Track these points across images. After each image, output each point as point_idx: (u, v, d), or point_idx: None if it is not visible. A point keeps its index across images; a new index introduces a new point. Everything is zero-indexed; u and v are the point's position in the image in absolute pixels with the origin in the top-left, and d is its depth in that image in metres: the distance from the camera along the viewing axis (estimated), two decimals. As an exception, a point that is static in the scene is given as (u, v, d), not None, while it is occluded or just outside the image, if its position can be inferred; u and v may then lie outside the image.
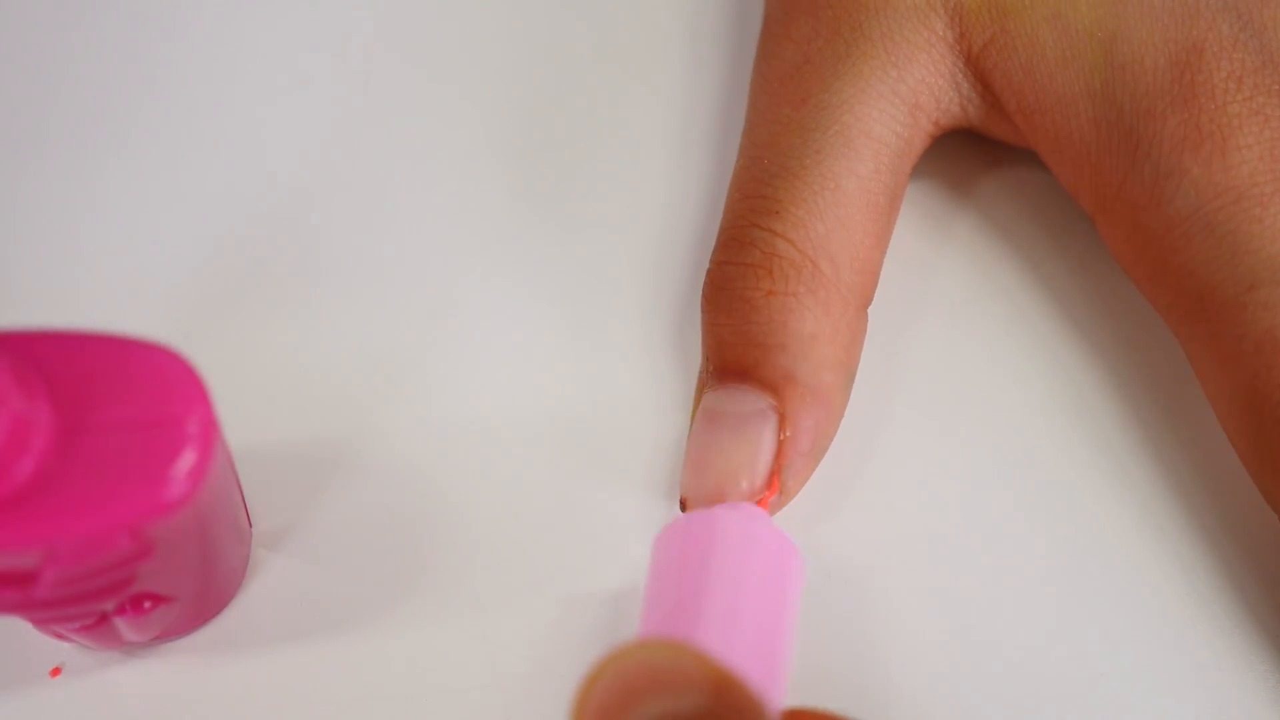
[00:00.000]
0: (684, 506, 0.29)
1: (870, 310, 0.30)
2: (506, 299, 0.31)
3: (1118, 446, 0.31)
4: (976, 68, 0.32)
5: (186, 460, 0.24)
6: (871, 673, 0.28)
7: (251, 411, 0.28)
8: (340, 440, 0.30)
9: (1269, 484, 0.30)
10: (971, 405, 0.31)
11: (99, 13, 0.34)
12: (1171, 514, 0.30)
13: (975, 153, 0.33)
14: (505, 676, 0.28)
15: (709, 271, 0.29)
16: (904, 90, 0.31)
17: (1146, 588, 0.31)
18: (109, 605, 0.27)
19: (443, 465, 0.30)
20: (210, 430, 0.23)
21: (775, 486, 0.28)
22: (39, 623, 0.28)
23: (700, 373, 0.29)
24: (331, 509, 0.30)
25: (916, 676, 0.28)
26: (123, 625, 0.28)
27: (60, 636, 0.30)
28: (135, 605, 0.27)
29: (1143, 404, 0.30)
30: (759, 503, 0.29)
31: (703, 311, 0.29)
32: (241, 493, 0.27)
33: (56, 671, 0.30)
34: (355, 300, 0.31)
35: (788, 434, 0.29)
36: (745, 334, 0.30)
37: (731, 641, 0.24)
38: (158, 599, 0.28)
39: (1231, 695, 0.29)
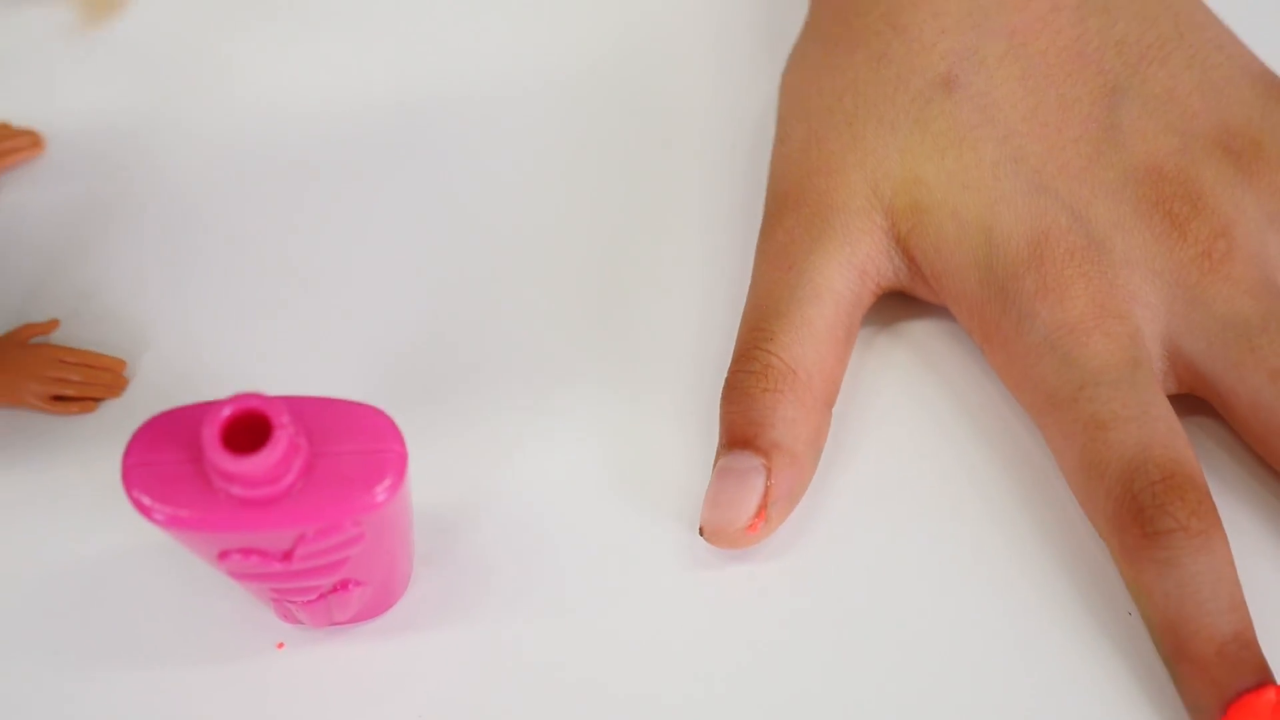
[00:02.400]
0: (701, 533, 0.37)
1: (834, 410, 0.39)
2: (587, 390, 0.40)
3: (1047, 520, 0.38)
4: (903, 247, 0.40)
5: (387, 477, 0.32)
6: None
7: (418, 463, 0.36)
8: (466, 496, 0.39)
9: (1104, 534, 0.37)
10: (903, 480, 0.39)
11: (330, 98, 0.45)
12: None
13: (909, 307, 0.41)
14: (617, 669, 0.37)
15: (727, 378, 0.39)
16: (855, 261, 0.40)
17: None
18: (327, 582, 0.34)
19: (548, 513, 0.39)
20: (402, 461, 0.32)
21: (762, 517, 0.37)
22: (280, 596, 0.35)
23: (718, 444, 0.38)
24: (468, 540, 0.38)
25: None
26: (332, 603, 0.35)
27: (287, 616, 0.37)
28: (342, 586, 0.35)
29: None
30: (749, 528, 0.37)
31: (721, 403, 0.38)
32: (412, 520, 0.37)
33: (281, 645, 0.38)
34: (479, 383, 0.40)
35: (771, 483, 0.37)
36: (747, 417, 0.38)
37: None
38: (357, 582, 0.35)
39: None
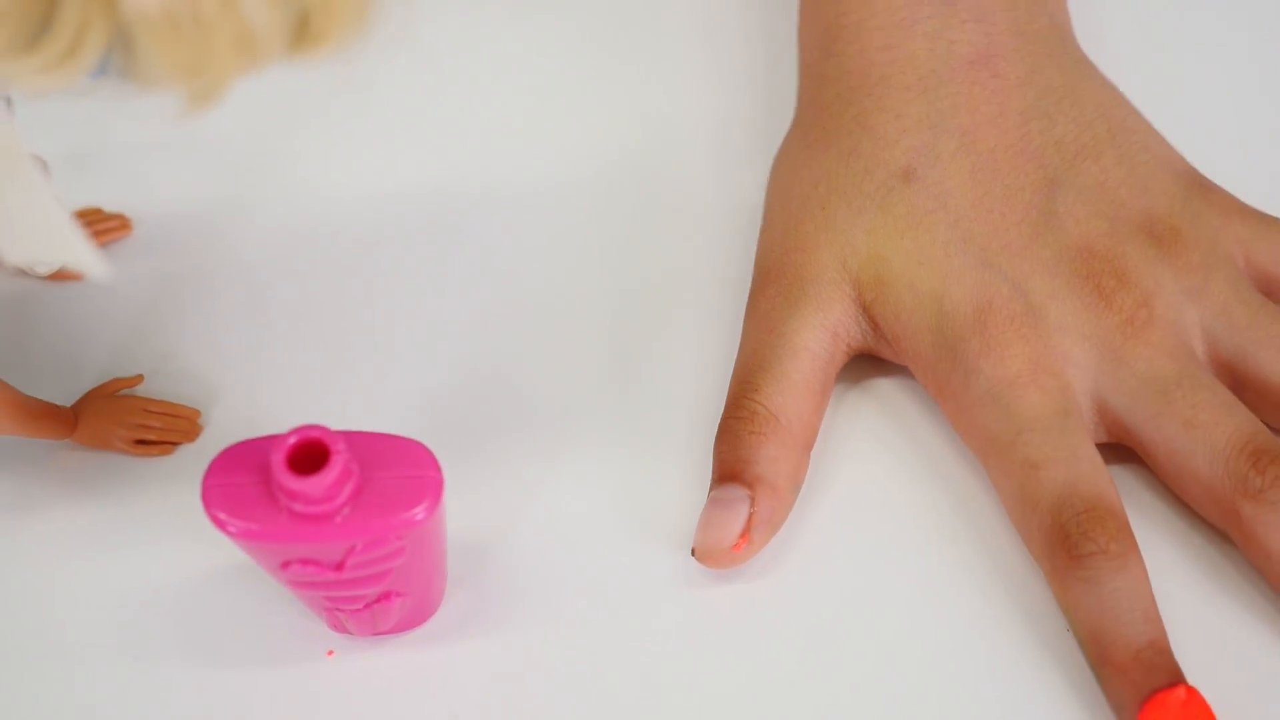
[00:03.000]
0: (694, 553, 0.40)
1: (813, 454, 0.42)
2: (601, 435, 0.43)
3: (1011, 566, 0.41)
4: (868, 314, 0.43)
5: (426, 499, 0.35)
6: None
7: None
8: (494, 526, 0.42)
9: (1038, 558, 0.40)
10: (871, 512, 0.42)
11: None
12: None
13: (875, 367, 0.44)
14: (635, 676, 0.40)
15: (720, 424, 0.42)
16: (828, 325, 0.42)
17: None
18: (373, 592, 0.37)
19: (565, 541, 0.42)
20: (439, 485, 0.36)
21: (746, 539, 0.40)
22: (332, 605, 0.38)
23: (711, 480, 0.41)
24: (496, 564, 0.42)
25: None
26: (376, 613, 0.38)
27: (337, 626, 0.40)
28: (385, 597, 0.38)
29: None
30: (734, 548, 0.40)
31: (715, 444, 0.41)
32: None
33: (331, 653, 0.40)
34: (508, 429, 0.43)
35: (755, 511, 0.40)
36: (736, 455, 0.41)
37: None
38: (398, 594, 0.38)
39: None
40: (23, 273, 0.47)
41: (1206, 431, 0.40)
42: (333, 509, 0.35)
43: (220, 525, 0.35)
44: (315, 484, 0.35)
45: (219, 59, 0.29)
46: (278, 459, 0.35)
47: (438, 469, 0.36)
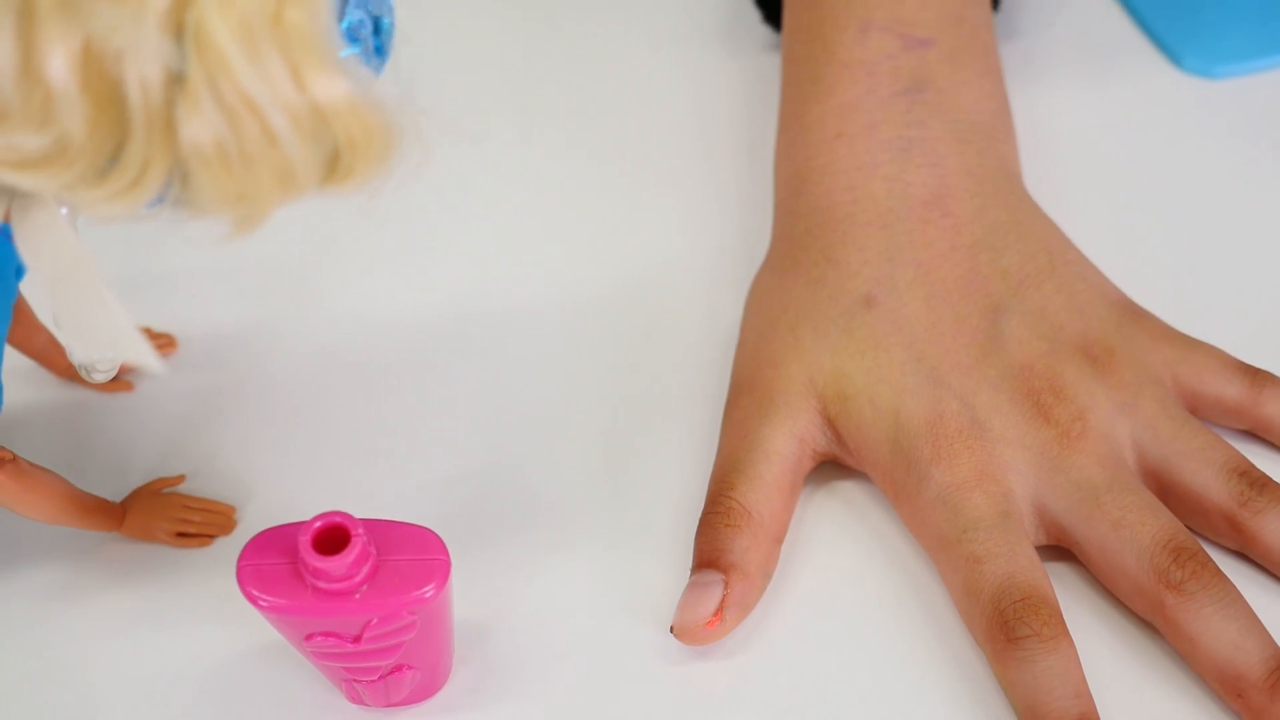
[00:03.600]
0: (672, 631, 0.42)
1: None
2: (594, 530, 0.46)
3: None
4: (832, 425, 0.45)
5: (435, 579, 0.38)
6: None
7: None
8: (495, 611, 0.45)
9: (981, 642, 0.42)
10: (835, 600, 0.45)
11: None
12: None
13: (839, 472, 0.47)
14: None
15: (700, 519, 0.44)
16: (796, 432, 0.45)
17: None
18: (386, 664, 0.40)
19: (560, 623, 0.44)
20: (446, 568, 0.39)
21: (719, 617, 0.42)
22: (350, 676, 0.41)
23: (691, 567, 0.43)
24: (497, 645, 0.44)
25: None
26: (389, 684, 0.41)
27: (355, 698, 0.43)
28: (398, 669, 0.41)
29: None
30: (709, 624, 0.42)
31: (695, 537, 0.44)
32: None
33: None
34: (509, 522, 0.46)
35: (728, 593, 0.42)
36: (713, 545, 0.43)
37: None
38: (410, 666, 0.41)
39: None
40: (80, 380, 0.50)
41: (1133, 531, 0.43)
42: (352, 586, 0.38)
43: (253, 600, 0.39)
44: (337, 563, 0.38)
45: (262, 189, 0.33)
46: (304, 540, 0.38)
47: (446, 553, 0.40)
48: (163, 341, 0.52)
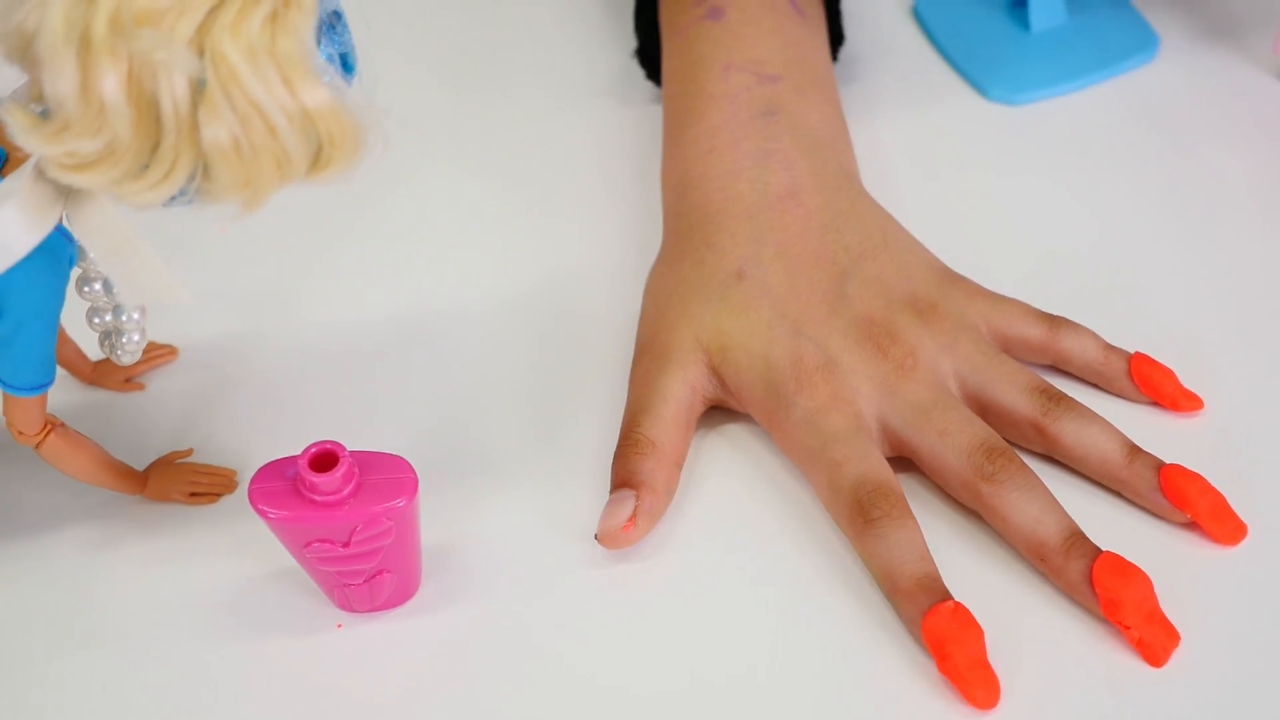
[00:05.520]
0: (597, 538, 0.48)
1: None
2: (532, 467, 0.52)
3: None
4: (716, 374, 0.51)
5: (405, 492, 0.44)
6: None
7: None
8: (453, 534, 0.51)
9: (843, 527, 0.48)
10: (723, 512, 0.51)
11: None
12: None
13: (725, 415, 0.53)
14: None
15: (615, 451, 0.50)
16: (687, 380, 0.51)
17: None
18: (369, 568, 0.46)
19: (508, 543, 0.51)
20: (415, 485, 0.44)
21: (633, 522, 0.48)
22: (341, 579, 0.46)
23: (610, 489, 0.49)
24: (457, 562, 0.50)
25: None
26: (373, 586, 0.47)
27: (344, 603, 0.48)
28: (379, 573, 0.46)
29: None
30: (624, 529, 0.47)
31: (612, 465, 0.50)
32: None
33: (340, 626, 0.48)
34: (469, 463, 0.52)
35: (638, 504, 0.48)
36: (626, 469, 0.49)
37: None
38: (388, 570, 0.46)
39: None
40: (101, 384, 0.57)
41: (954, 439, 0.49)
42: (341, 499, 0.45)
43: (263, 514, 0.45)
44: (329, 479, 0.44)
45: (265, 175, 0.39)
46: (303, 461, 0.45)
47: (414, 474, 0.46)
48: (165, 351, 0.57)
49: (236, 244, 0.61)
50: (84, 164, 0.39)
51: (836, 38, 0.65)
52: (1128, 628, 0.46)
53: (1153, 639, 0.45)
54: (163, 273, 0.42)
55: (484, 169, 0.65)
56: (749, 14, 0.60)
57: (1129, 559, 0.47)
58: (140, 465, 0.53)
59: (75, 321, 0.51)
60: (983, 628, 0.45)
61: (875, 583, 0.48)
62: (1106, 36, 0.68)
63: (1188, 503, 0.49)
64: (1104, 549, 0.47)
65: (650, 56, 0.66)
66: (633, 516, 0.49)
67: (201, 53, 0.38)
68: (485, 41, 0.71)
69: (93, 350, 0.56)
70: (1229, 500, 0.49)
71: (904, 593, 0.46)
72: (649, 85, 0.67)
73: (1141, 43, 0.68)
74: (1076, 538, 0.47)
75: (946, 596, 0.46)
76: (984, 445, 0.49)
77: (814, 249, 0.54)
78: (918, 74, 0.67)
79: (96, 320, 0.52)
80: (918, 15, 0.71)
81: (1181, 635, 0.46)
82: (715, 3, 0.60)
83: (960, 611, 0.45)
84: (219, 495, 0.53)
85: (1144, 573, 0.46)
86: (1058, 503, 0.48)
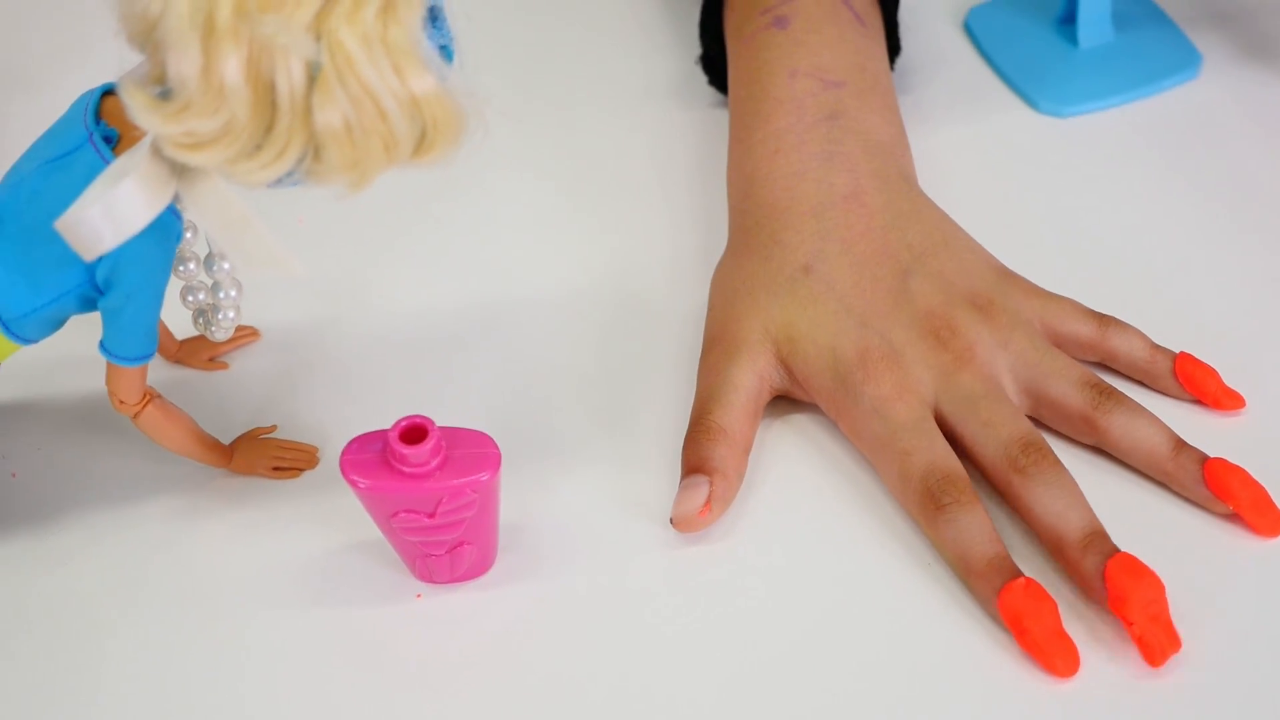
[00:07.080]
0: (672, 522, 0.49)
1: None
2: (604, 455, 0.53)
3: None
4: (784, 364, 0.52)
5: (490, 466, 0.45)
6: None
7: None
8: (529, 512, 0.51)
9: (913, 515, 0.48)
10: (792, 497, 0.51)
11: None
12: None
13: (792, 405, 0.54)
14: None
15: (685, 437, 0.50)
16: (756, 370, 0.52)
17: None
18: (452, 539, 0.46)
19: (581, 521, 0.51)
20: (498, 460, 0.45)
21: (708, 508, 0.49)
22: (424, 549, 0.47)
23: (681, 474, 0.50)
24: (531, 537, 0.51)
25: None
26: (453, 558, 0.48)
27: (424, 574, 0.48)
28: (460, 544, 0.47)
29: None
30: (700, 514, 0.48)
31: (682, 451, 0.50)
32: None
33: (419, 596, 0.48)
34: (545, 447, 0.53)
35: (712, 490, 0.49)
36: (699, 455, 0.50)
37: None
38: (469, 542, 0.47)
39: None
40: (186, 362, 0.58)
41: (996, 430, 0.50)
42: (428, 471, 0.46)
43: (353, 484, 0.46)
44: (418, 451, 0.45)
45: (373, 157, 0.40)
46: (393, 434, 0.46)
47: (497, 449, 0.47)
48: (249, 333, 0.58)
49: (314, 234, 0.62)
50: (201, 143, 0.40)
51: (893, 49, 0.66)
52: (1130, 623, 0.46)
53: (1153, 640, 0.46)
54: (277, 246, 0.43)
55: (553, 167, 0.66)
56: (813, 23, 0.61)
57: (1163, 553, 0.47)
58: (224, 441, 0.53)
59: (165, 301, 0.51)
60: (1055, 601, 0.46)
61: (947, 566, 0.49)
62: (1152, 54, 0.69)
63: (1230, 495, 0.49)
64: (1131, 550, 0.47)
65: (714, 63, 0.67)
66: (707, 502, 0.50)
67: (318, 39, 0.39)
68: (552, 49, 0.73)
69: (179, 329, 0.57)
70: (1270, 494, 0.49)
71: (978, 573, 0.47)
72: (709, 91, 0.68)
73: (1185, 60, 0.69)
74: (1097, 535, 0.47)
75: (1018, 574, 0.46)
76: (1022, 439, 0.49)
77: (877, 246, 0.55)
78: (969, 85, 0.68)
79: (190, 299, 0.52)
80: (969, 29, 0.72)
81: (1205, 635, 0.46)
82: (780, 11, 0.61)
83: (1033, 586, 0.46)
84: (301, 470, 0.54)
85: (1158, 577, 0.46)
86: (1085, 502, 0.48)
